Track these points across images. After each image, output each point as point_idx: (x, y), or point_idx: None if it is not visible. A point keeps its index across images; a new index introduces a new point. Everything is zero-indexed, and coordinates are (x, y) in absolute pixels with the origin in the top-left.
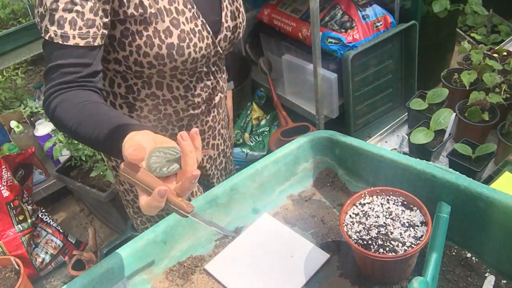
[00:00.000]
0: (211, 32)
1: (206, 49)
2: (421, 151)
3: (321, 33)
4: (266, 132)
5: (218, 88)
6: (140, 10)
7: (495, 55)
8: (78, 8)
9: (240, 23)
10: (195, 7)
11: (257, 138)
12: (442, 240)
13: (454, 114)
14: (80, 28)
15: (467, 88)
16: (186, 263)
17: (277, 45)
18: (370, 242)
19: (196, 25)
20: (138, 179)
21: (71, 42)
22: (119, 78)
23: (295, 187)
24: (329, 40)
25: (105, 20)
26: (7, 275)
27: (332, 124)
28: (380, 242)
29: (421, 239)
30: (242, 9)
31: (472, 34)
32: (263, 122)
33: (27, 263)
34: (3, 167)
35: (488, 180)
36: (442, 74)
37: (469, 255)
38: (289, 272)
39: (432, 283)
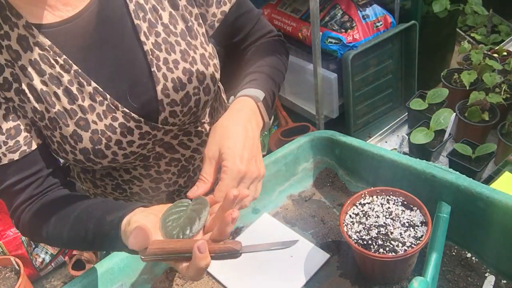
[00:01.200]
0: (143, 120)
1: (143, 138)
2: (421, 151)
3: (321, 33)
4: (266, 132)
5: (197, 157)
6: (38, 116)
7: (495, 55)
8: None
9: (197, 87)
10: (108, 97)
11: None
12: (442, 240)
13: (454, 114)
14: (5, 143)
15: (467, 88)
16: None
17: None
18: (370, 242)
19: (115, 119)
20: (166, 252)
21: (5, 161)
22: None
23: (295, 187)
24: (329, 40)
25: (29, 117)
26: (7, 275)
27: (332, 124)
28: (380, 242)
29: (421, 239)
30: (200, 66)
31: (472, 34)
32: None
33: (27, 263)
34: None
35: (488, 180)
36: (442, 74)
37: (469, 255)
38: (289, 272)
39: (432, 283)
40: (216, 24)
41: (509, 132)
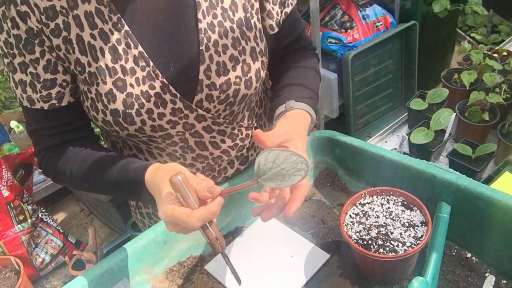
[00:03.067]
0: (178, 96)
1: (175, 115)
2: (421, 151)
3: (321, 33)
4: None
5: (225, 158)
6: (79, 68)
7: (495, 55)
8: (31, 69)
9: (239, 77)
10: (151, 64)
11: None
12: (442, 240)
13: (454, 114)
14: (40, 91)
15: (467, 88)
16: (186, 263)
17: None
18: (370, 242)
19: (152, 87)
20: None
21: (37, 106)
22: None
23: None
24: (329, 40)
25: (70, 75)
26: (7, 275)
27: (332, 124)
28: (380, 242)
29: (421, 239)
30: (247, 58)
31: (472, 34)
32: None
33: (27, 263)
34: (3, 167)
35: (488, 180)
36: (442, 74)
37: (469, 255)
38: (289, 272)
39: (432, 283)
40: (281, 23)
41: (509, 132)
